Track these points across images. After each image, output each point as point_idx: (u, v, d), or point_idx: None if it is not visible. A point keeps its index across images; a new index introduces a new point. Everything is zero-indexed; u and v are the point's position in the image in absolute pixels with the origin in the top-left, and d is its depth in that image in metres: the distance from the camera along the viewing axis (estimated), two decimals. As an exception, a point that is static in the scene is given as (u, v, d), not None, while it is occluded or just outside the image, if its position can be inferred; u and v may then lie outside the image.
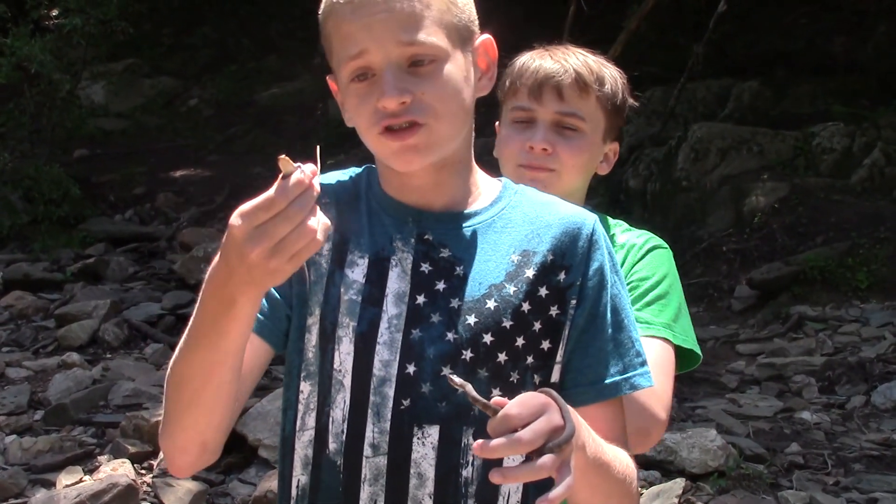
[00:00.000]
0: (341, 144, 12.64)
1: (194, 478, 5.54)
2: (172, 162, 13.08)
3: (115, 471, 5.51)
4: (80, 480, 5.52)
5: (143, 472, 5.68)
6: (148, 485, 5.52)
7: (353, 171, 1.83)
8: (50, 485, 5.56)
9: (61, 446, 6.00)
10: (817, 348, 7.58)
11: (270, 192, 1.44)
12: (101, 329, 8.12)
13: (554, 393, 1.55)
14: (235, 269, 1.50)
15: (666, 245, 2.40)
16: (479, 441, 1.45)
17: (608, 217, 2.40)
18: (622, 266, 2.26)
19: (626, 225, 2.41)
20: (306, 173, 1.45)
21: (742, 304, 8.76)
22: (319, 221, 1.47)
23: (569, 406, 1.55)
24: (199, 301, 1.60)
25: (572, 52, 2.32)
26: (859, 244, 8.86)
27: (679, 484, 5.19)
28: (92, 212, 11.64)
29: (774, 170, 9.94)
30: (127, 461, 5.66)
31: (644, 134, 11.12)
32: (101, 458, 5.81)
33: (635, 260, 2.33)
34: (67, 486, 5.44)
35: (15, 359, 7.68)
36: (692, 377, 7.24)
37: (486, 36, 1.79)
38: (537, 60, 2.29)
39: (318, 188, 1.46)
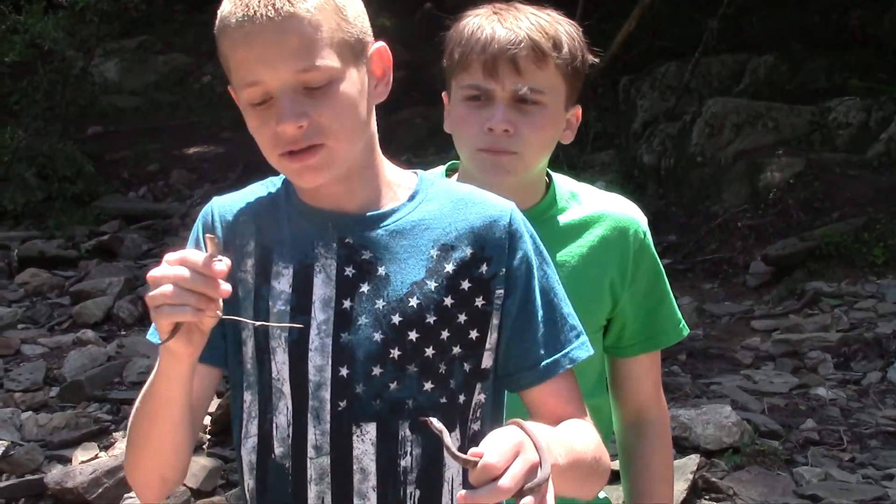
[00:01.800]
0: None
1: (209, 454, 5.56)
2: (186, 139, 13.07)
3: (131, 447, 5.53)
4: (96, 457, 5.55)
5: (158, 448, 5.69)
6: (163, 461, 5.53)
7: (270, 181, 1.87)
8: (66, 461, 5.58)
9: (77, 423, 6.02)
10: (833, 324, 7.55)
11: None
12: (115, 306, 8.13)
13: (525, 426, 1.59)
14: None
15: (638, 220, 2.29)
16: (463, 492, 1.51)
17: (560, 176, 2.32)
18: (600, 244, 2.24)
19: (583, 189, 2.31)
20: (220, 267, 1.56)
21: (757, 280, 8.72)
22: (210, 306, 1.58)
23: (535, 429, 1.59)
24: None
25: (523, 12, 2.16)
26: (875, 219, 8.81)
27: (693, 460, 5.18)
28: (106, 189, 11.64)
29: (790, 145, 9.88)
30: (142, 438, 5.67)
31: (658, 109, 11.07)
32: (117, 435, 5.83)
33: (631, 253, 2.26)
34: (83, 462, 5.46)
35: (30, 336, 7.70)
36: (706, 353, 7.22)
37: (380, 44, 1.80)
38: (487, 28, 2.11)
39: (226, 289, 1.58)
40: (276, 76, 1.68)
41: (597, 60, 2.26)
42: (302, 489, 1.76)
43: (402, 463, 1.75)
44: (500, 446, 1.52)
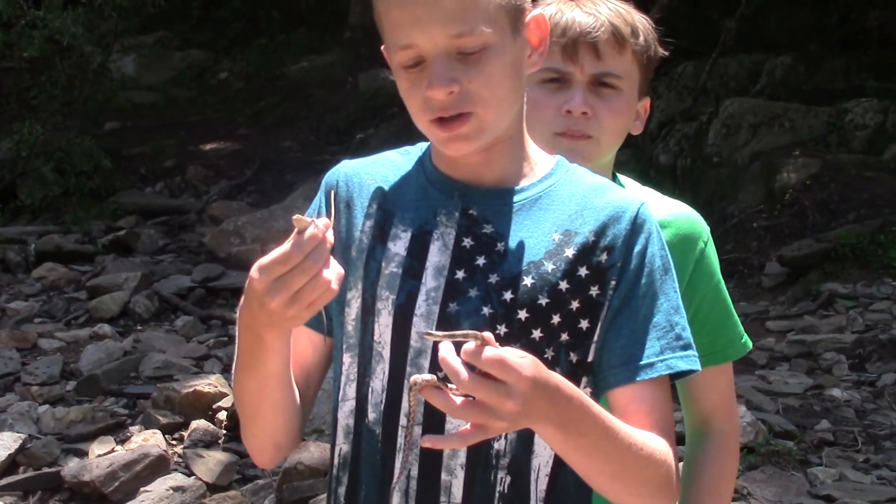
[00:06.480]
0: (371, 118, 12.64)
1: (224, 449, 5.58)
2: (202, 135, 13.12)
3: (147, 441, 5.56)
4: (112, 450, 5.57)
5: (173, 442, 5.72)
6: (178, 455, 5.56)
7: (406, 149, 1.86)
8: (82, 454, 5.61)
9: (93, 416, 6.05)
10: (848, 325, 7.54)
11: (286, 246, 1.51)
12: (131, 301, 8.17)
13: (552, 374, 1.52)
14: (258, 314, 1.58)
15: (701, 228, 2.24)
16: (441, 355, 1.44)
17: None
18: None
19: (650, 194, 2.25)
20: (319, 227, 1.51)
21: (772, 280, 8.71)
22: (334, 271, 1.54)
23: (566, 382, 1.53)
24: (237, 332, 1.69)
25: (601, 0, 2.15)
26: (891, 221, 8.79)
27: (708, 460, 5.18)
28: (123, 184, 11.70)
29: (806, 146, 9.87)
30: (158, 432, 5.71)
31: (675, 109, 11.07)
32: (133, 429, 5.86)
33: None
34: (99, 455, 5.49)
35: (47, 330, 7.74)
36: (721, 353, 7.21)
37: (538, 11, 1.77)
38: (567, 13, 2.10)
39: (331, 240, 1.53)
40: (430, 40, 1.64)
41: (666, 54, 2.24)
42: (390, 457, 1.72)
43: (496, 446, 1.69)
44: (507, 356, 1.44)
